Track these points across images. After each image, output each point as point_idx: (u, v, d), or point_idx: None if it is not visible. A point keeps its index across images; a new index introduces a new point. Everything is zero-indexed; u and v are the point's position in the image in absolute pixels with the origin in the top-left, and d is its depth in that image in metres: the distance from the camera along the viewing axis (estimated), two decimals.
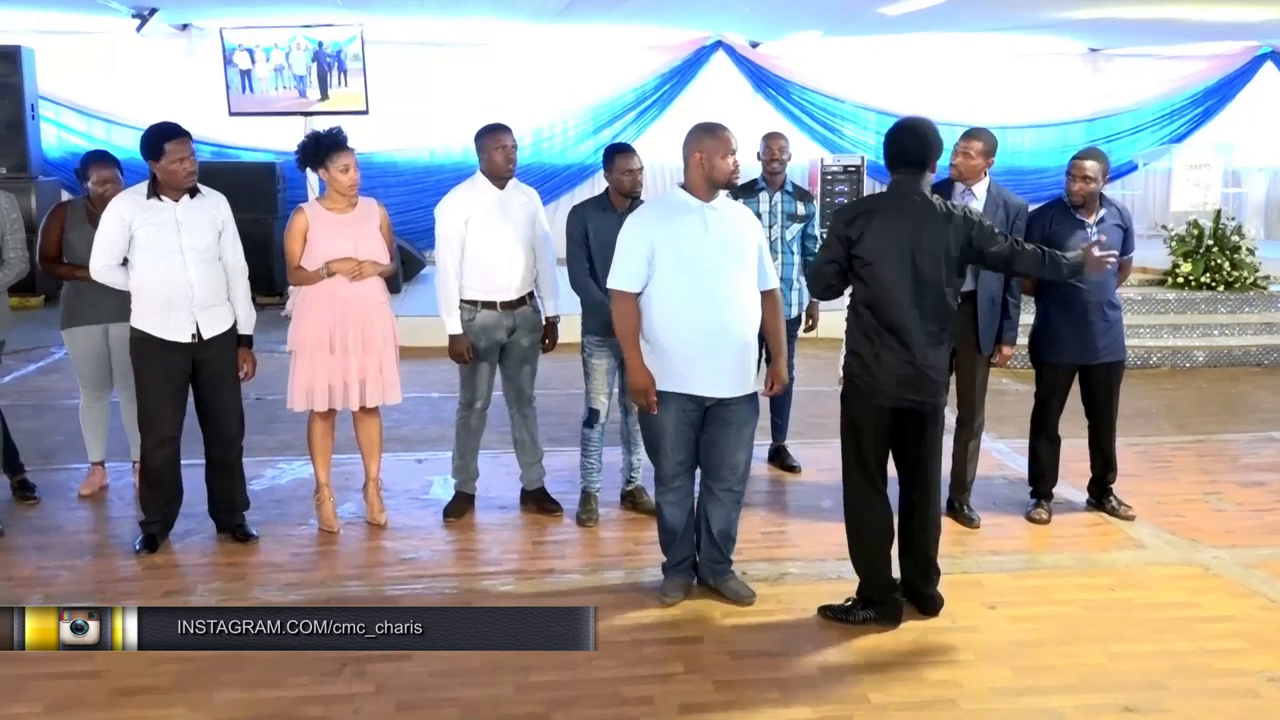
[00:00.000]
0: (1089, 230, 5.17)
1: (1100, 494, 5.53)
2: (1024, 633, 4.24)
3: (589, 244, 5.12)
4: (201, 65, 11.69)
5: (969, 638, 4.20)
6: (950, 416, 5.50)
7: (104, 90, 12.21)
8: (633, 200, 5.09)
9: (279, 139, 11.40)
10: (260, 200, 10.89)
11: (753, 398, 4.37)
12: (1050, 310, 5.31)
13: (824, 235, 4.41)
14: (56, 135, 12.13)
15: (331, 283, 4.90)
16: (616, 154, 5.12)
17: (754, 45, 13.46)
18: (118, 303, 5.09)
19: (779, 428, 6.19)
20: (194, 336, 4.76)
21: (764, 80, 13.58)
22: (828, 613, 4.32)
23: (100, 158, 5.48)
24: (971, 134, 5.15)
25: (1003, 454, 6.42)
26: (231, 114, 10.95)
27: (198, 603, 4.43)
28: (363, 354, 4.97)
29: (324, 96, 10.72)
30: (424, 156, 12.96)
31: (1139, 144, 14.45)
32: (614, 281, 4.26)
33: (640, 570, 4.77)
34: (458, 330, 5.10)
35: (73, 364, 5.58)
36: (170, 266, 4.68)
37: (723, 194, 4.29)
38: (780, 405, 6.12)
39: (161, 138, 4.61)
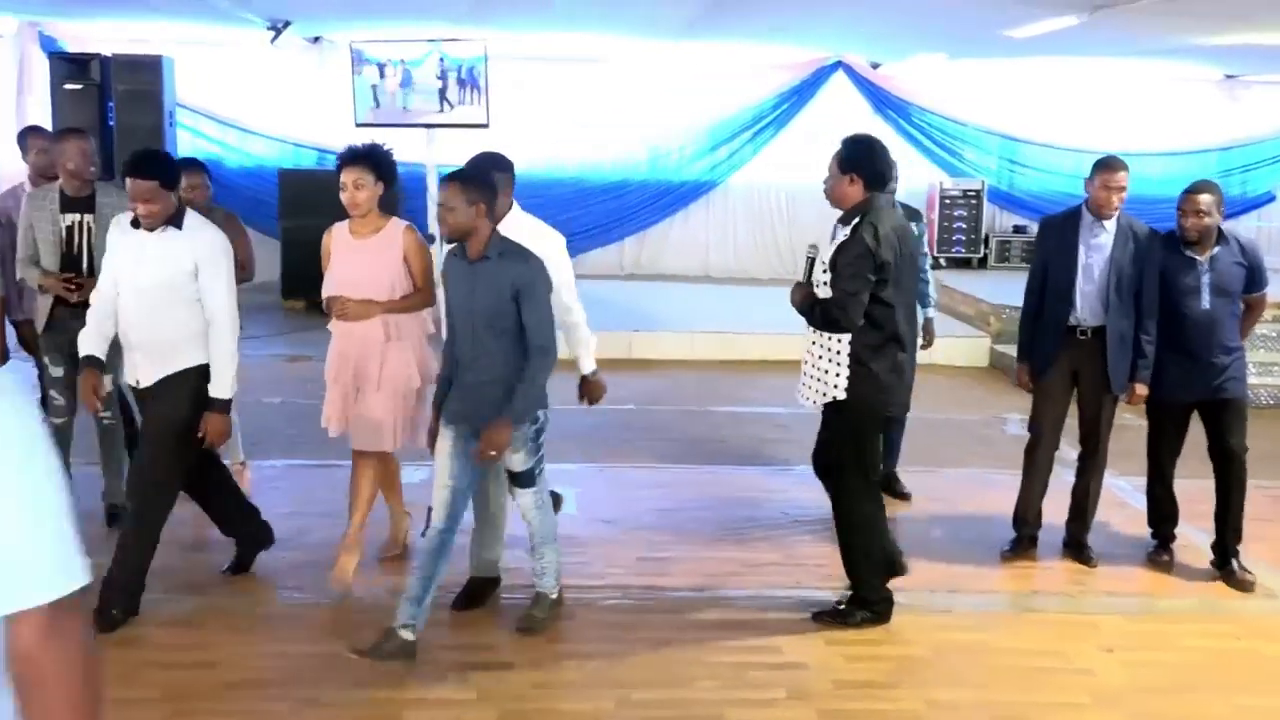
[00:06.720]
0: (1201, 268, 4.91)
1: (1222, 559, 5.09)
2: (1141, 678, 4.09)
3: None
4: (331, 77, 12.02)
5: (1084, 680, 4.07)
6: (1071, 452, 5.34)
7: (238, 99, 12.65)
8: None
9: (404, 151, 11.61)
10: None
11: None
12: (1159, 348, 5.00)
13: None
14: (191, 142, 12.57)
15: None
16: None
17: (875, 66, 13.32)
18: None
19: (891, 454, 6.05)
20: (137, 381, 4.28)
21: (884, 101, 13.42)
22: (824, 618, 4.41)
23: (191, 164, 5.40)
24: (1111, 164, 4.96)
25: (1124, 492, 6.20)
26: (358, 125, 11.22)
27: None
28: (354, 394, 4.59)
29: (448, 109, 10.92)
30: (540, 169, 13.09)
31: (1278, 174, 13.90)
32: None
33: (732, 590, 4.73)
34: None
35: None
36: (123, 302, 4.19)
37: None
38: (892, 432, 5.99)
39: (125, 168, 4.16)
